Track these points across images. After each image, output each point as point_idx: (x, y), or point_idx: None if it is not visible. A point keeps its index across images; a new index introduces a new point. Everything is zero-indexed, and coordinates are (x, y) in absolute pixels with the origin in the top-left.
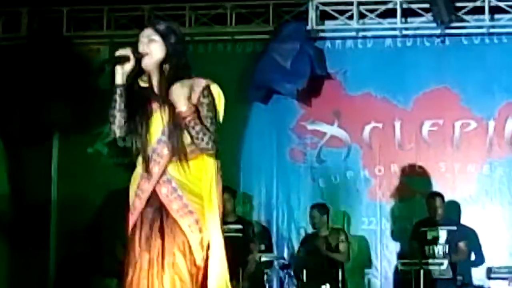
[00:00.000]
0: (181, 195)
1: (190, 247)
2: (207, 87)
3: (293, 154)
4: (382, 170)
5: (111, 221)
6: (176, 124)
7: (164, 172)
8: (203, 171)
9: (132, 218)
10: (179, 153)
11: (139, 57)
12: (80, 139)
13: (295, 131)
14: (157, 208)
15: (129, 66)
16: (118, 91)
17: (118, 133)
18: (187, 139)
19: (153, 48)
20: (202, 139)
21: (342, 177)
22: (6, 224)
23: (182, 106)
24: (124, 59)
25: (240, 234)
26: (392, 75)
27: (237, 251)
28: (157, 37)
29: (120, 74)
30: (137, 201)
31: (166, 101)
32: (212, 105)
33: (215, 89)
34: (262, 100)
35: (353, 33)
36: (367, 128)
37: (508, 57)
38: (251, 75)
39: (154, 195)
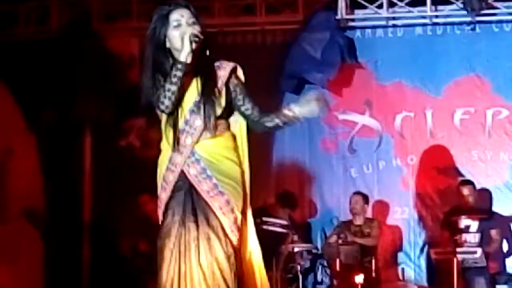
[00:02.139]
0: (210, 176)
1: (224, 229)
2: (235, 69)
3: (325, 144)
4: (414, 159)
5: None
6: (212, 92)
7: (192, 152)
8: (233, 149)
9: (166, 193)
10: (210, 119)
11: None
12: (112, 132)
13: (326, 121)
14: (187, 190)
15: (196, 46)
16: (183, 68)
17: (171, 108)
18: (217, 111)
19: (197, 30)
20: (248, 106)
21: (374, 166)
22: (39, 220)
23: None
24: (197, 40)
25: (284, 230)
26: (423, 64)
27: (274, 243)
28: (196, 20)
29: (189, 52)
30: (170, 175)
31: (208, 74)
32: (242, 85)
33: (240, 72)
34: (293, 90)
35: (383, 22)
36: (399, 118)
37: None
38: (282, 66)
39: (183, 176)
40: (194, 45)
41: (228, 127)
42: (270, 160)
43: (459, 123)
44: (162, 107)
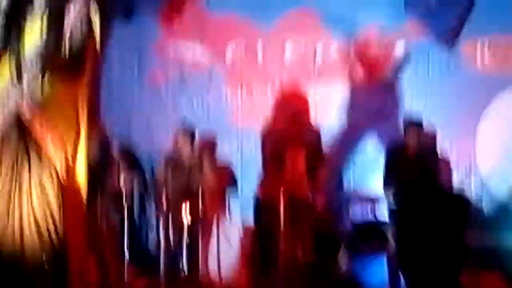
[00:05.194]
0: (44, 115)
1: (55, 168)
2: None
3: (154, 77)
4: (244, 92)
5: None
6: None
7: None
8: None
9: None
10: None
11: None
12: None
13: (156, 52)
14: (20, 130)
15: None
16: None
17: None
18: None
19: None
20: None
21: (204, 99)
22: None
23: None
24: None
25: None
26: None
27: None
28: None
29: None
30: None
31: None
32: None
33: None
34: (123, 18)
35: None
36: (230, 49)
37: None
38: None
39: (17, 115)
40: None
41: None
42: (97, 93)
43: (290, 55)
44: None
